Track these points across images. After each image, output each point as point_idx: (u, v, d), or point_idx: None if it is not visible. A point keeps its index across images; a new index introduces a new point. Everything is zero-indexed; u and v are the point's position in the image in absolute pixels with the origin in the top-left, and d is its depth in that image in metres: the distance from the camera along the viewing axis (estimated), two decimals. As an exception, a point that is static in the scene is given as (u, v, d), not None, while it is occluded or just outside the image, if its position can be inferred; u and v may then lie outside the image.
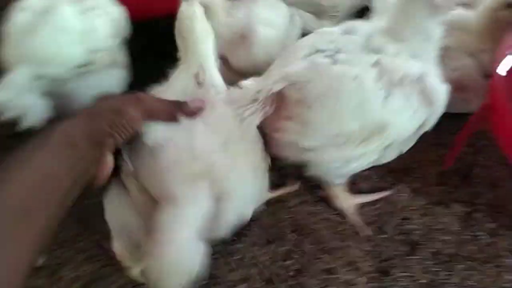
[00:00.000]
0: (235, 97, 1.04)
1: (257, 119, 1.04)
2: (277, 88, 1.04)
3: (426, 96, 1.05)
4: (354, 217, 1.40)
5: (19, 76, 1.32)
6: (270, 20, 1.53)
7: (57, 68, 1.36)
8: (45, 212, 0.67)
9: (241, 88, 1.09)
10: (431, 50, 1.11)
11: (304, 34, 1.71)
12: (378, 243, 1.37)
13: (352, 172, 1.26)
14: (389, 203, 1.47)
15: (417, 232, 1.40)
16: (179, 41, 1.08)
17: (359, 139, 1.05)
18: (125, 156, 0.90)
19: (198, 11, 1.04)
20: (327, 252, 1.34)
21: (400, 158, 1.58)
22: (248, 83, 1.11)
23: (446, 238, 1.38)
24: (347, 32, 1.12)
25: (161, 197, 0.85)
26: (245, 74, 1.48)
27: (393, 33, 1.08)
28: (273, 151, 1.14)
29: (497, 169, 1.55)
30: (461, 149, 1.54)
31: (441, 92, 1.08)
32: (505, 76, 1.34)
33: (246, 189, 0.97)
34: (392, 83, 1.02)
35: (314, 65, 1.04)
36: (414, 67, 1.05)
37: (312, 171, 1.20)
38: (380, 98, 1.02)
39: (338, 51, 1.06)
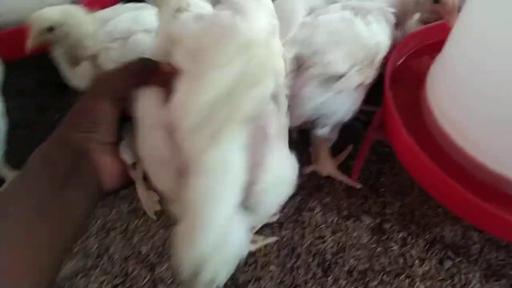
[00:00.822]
0: None
1: None
2: (292, 53, 1.19)
3: (388, 18, 1.34)
4: (342, 177, 1.54)
5: None
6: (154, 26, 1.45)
7: None
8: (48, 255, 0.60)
9: None
10: None
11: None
12: (291, 268, 1.31)
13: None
14: (301, 223, 1.42)
15: (330, 250, 1.36)
16: None
17: (368, 62, 1.27)
18: (122, 148, 0.71)
19: None
20: (238, 286, 1.26)
21: (310, 174, 1.57)
22: None
23: (358, 253, 1.35)
24: None
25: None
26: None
27: None
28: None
29: (403, 176, 1.55)
30: (367, 159, 1.53)
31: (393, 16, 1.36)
32: (394, 86, 1.35)
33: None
34: (364, 12, 1.27)
35: (305, 24, 1.25)
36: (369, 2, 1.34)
37: (321, 122, 1.34)
38: (364, 26, 1.25)
39: (312, 9, 1.31)
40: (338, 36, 1.22)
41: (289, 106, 1.18)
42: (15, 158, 1.55)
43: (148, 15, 1.43)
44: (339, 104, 1.29)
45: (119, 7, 1.54)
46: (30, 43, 1.31)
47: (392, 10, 1.37)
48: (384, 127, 1.33)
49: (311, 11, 1.32)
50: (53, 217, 0.60)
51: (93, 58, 1.39)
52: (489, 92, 1.07)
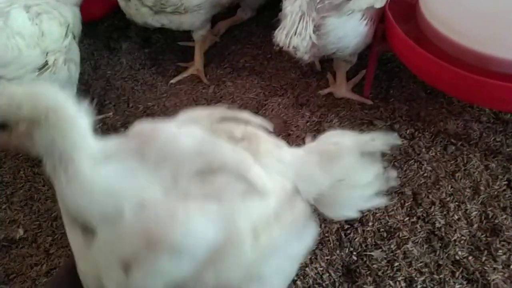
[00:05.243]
0: None
1: None
2: None
3: None
4: (354, 97, 1.75)
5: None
6: None
7: (16, 71, 1.46)
8: None
9: None
10: None
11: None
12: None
13: None
14: (322, 131, 1.65)
15: (348, 149, 1.58)
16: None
17: None
18: None
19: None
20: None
21: (327, 95, 1.81)
22: None
23: (372, 149, 1.57)
24: None
25: None
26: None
27: None
28: None
29: (410, 87, 1.76)
30: (377, 77, 1.76)
31: None
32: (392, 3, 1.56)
33: None
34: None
35: None
36: None
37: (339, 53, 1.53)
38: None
39: None
40: None
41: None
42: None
43: None
44: (353, 37, 1.49)
45: None
46: None
47: None
48: (386, 37, 1.55)
49: None
50: None
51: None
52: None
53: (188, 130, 0.90)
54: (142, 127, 0.93)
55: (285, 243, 0.89)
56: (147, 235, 0.79)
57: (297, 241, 0.94)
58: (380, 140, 0.93)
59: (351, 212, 0.97)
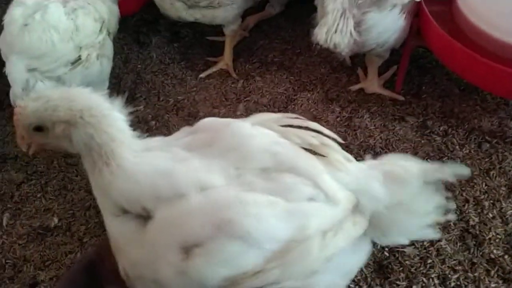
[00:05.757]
0: None
1: None
2: None
3: None
4: (386, 92, 1.73)
5: (15, 68, 1.48)
6: None
7: (50, 64, 1.50)
8: None
9: None
10: None
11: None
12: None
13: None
14: (352, 127, 1.65)
15: (379, 145, 1.57)
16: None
17: None
18: None
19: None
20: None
21: (358, 90, 1.79)
22: None
23: (404, 145, 1.56)
24: None
25: None
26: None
27: None
28: None
29: (443, 83, 1.73)
30: (409, 73, 1.73)
31: None
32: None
33: None
34: None
35: None
36: None
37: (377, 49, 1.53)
38: None
39: None
40: None
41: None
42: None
43: None
44: (393, 32, 1.50)
45: None
46: None
47: None
48: (420, 32, 1.53)
49: None
50: None
51: None
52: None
53: (263, 131, 0.94)
54: (213, 121, 0.98)
55: (342, 255, 0.90)
56: (216, 219, 0.81)
57: (352, 255, 0.95)
58: (448, 171, 0.93)
59: (402, 238, 0.99)
